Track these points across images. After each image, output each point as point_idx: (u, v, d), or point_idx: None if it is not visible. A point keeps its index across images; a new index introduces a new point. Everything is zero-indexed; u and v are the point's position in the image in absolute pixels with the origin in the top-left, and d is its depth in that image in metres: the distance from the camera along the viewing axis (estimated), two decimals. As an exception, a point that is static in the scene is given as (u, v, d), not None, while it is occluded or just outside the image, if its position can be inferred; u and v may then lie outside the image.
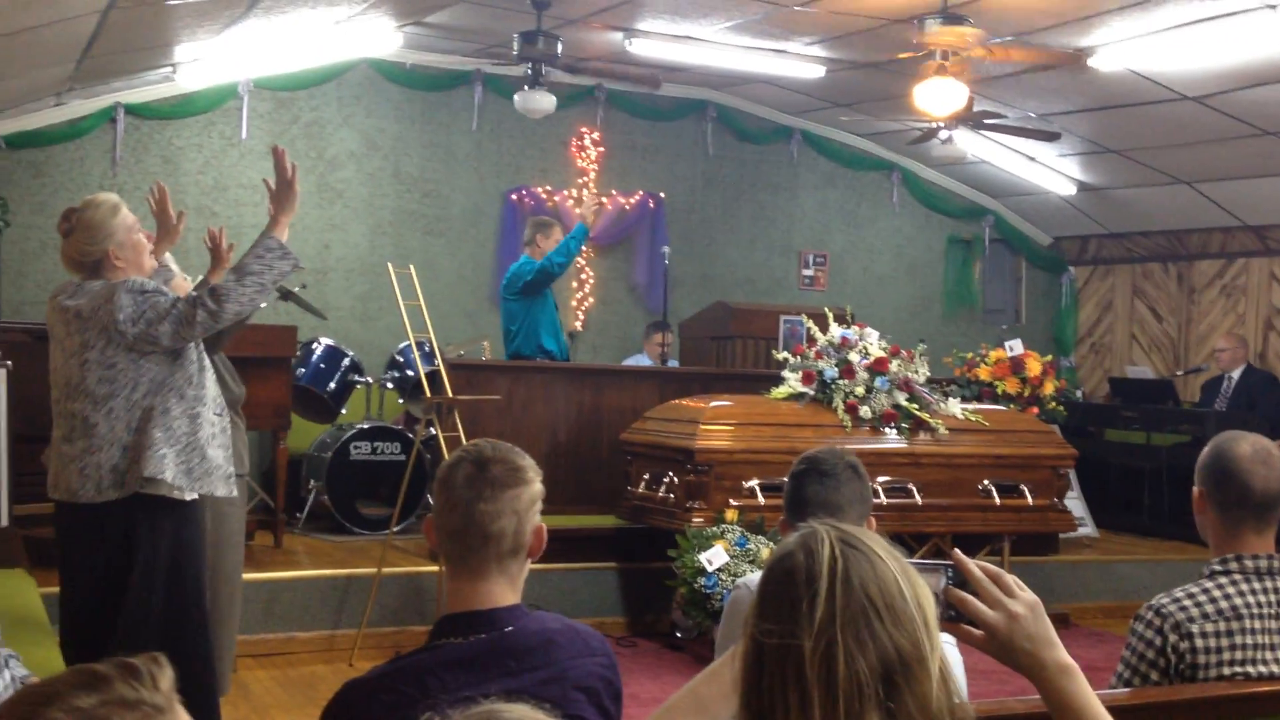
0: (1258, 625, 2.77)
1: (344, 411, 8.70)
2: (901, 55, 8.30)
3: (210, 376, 4.27)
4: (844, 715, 1.49)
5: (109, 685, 1.29)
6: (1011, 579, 1.79)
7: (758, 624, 1.57)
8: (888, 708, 1.50)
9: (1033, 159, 11.20)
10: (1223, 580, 2.83)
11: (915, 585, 1.57)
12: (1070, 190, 11.59)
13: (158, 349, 4.04)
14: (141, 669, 1.31)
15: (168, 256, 4.88)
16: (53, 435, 4.19)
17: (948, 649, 1.69)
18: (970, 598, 1.76)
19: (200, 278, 5.24)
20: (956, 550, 1.88)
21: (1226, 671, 2.74)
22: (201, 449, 4.10)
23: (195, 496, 4.13)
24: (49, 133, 9.30)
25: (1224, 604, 2.78)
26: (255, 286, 4.07)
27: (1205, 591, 2.81)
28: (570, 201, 10.83)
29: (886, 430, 7.30)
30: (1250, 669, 2.75)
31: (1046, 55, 8.28)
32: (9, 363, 6.45)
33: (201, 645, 4.22)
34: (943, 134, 9.57)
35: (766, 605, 1.58)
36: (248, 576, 6.67)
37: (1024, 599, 1.77)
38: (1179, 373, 11.37)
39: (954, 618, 1.75)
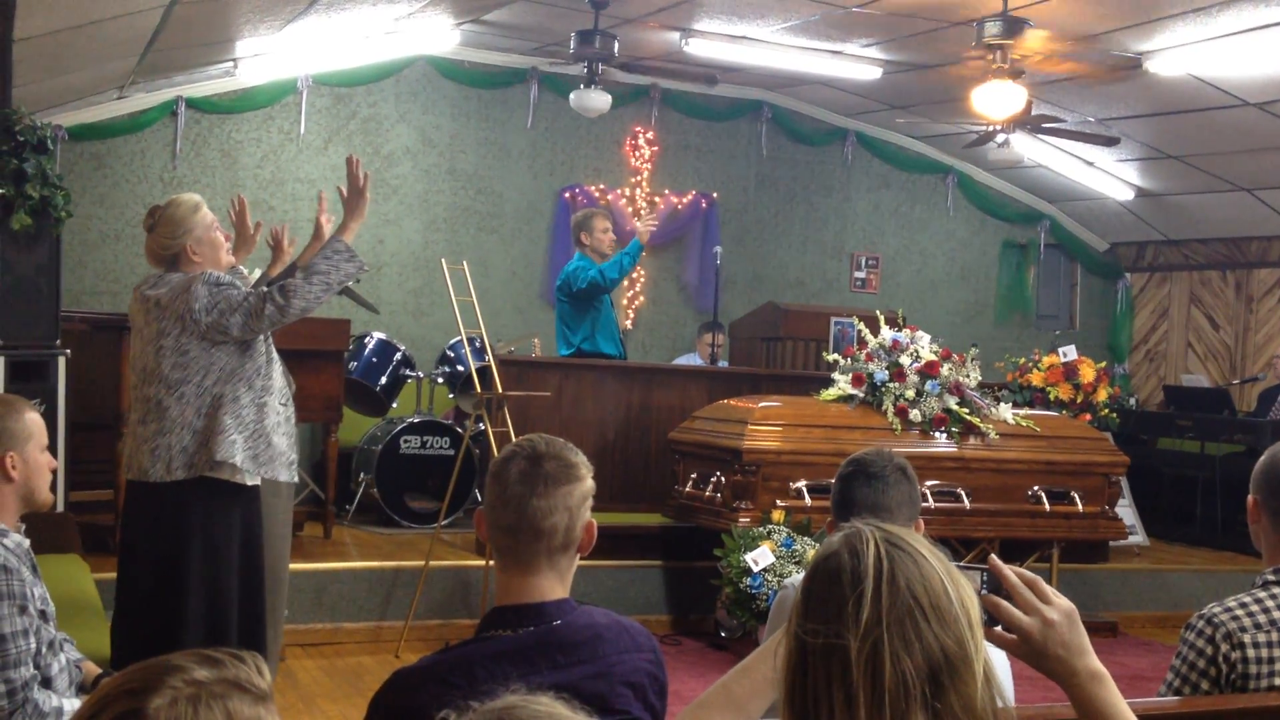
0: (1311, 637, 2.74)
1: (395, 405, 8.77)
2: (966, 56, 8.26)
3: (278, 368, 4.46)
4: (889, 715, 1.49)
5: (224, 666, 1.40)
6: (1047, 586, 1.79)
7: (802, 624, 1.57)
8: (933, 708, 1.51)
9: (1091, 164, 11.10)
10: (1276, 590, 2.80)
11: (960, 586, 1.58)
12: (1128, 196, 11.48)
13: (228, 339, 4.23)
14: (247, 658, 1.43)
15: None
16: (130, 419, 4.39)
17: (993, 653, 1.69)
18: (1005, 603, 1.76)
19: (257, 270, 5.34)
20: (992, 555, 1.88)
21: (1278, 682, 2.71)
22: (267, 436, 4.29)
23: (257, 482, 4.32)
24: (111, 125, 9.43)
25: (1276, 614, 2.75)
26: (321, 285, 4.28)
27: (1258, 601, 2.78)
28: (623, 200, 10.87)
29: (936, 434, 7.26)
30: (1302, 681, 2.72)
31: (1100, 69, 8.21)
32: (68, 351, 6.56)
33: (258, 628, 4.33)
34: (1000, 137, 9.51)
35: (811, 605, 1.58)
36: (297, 567, 6.75)
37: (1059, 605, 1.76)
38: (1235, 382, 11.23)
39: (987, 622, 1.75)
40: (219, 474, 4.18)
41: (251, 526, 4.35)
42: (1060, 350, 8.97)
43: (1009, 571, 1.78)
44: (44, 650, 3.11)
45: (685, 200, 11.15)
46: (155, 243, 4.34)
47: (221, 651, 1.43)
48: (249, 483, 4.26)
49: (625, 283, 10.86)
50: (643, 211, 10.77)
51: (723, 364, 9.45)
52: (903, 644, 1.51)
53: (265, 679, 1.43)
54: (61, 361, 6.49)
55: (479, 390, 7.14)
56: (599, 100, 9.18)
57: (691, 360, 9.89)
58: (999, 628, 1.76)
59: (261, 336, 4.33)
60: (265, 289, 4.27)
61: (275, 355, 4.47)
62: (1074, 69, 8.26)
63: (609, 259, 8.10)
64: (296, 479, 4.64)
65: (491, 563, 3.73)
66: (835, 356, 7.59)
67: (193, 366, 4.19)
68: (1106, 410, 8.75)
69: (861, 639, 1.51)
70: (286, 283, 4.26)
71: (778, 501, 6.87)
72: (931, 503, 6.97)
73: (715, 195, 11.27)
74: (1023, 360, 9.10)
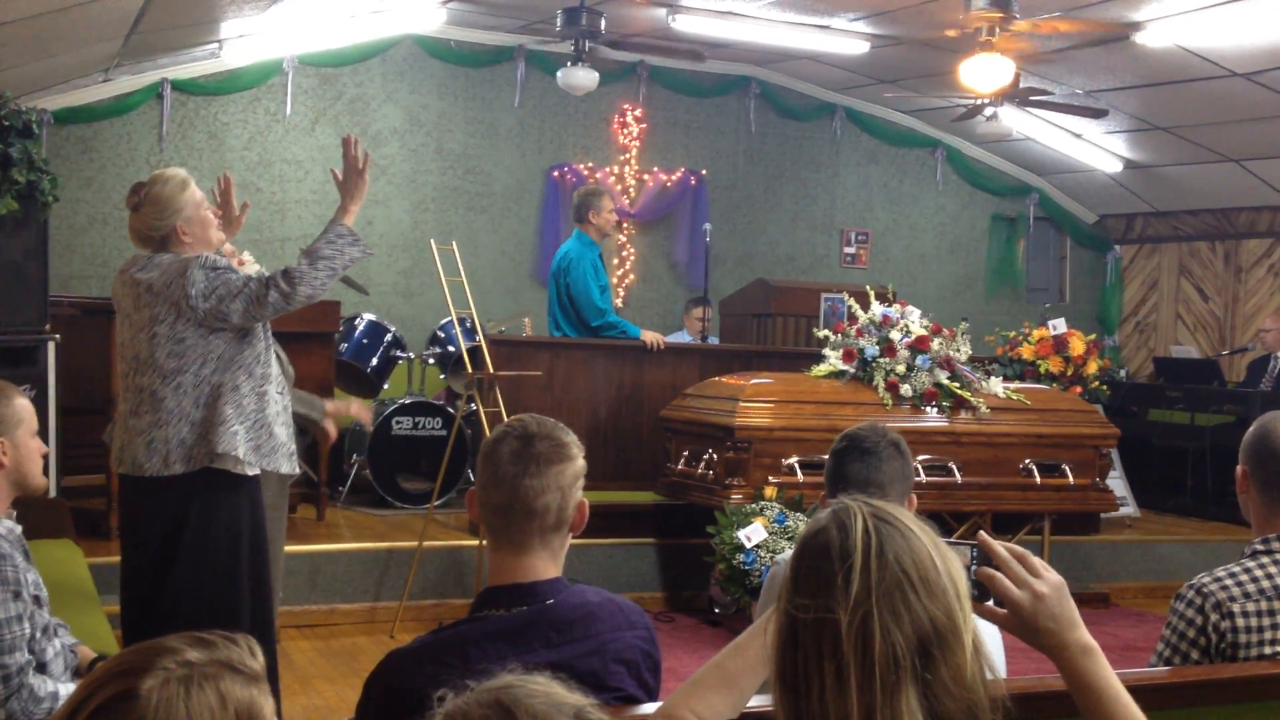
0: (1300, 605, 2.76)
1: (386, 386, 8.76)
2: (949, 32, 8.24)
3: (274, 355, 4.28)
4: (880, 687, 1.50)
5: (216, 648, 1.42)
6: (1037, 560, 1.80)
7: (792, 599, 1.58)
8: (924, 679, 1.52)
9: (1079, 136, 11.10)
10: (1264, 560, 2.81)
11: (947, 558, 1.59)
12: (1117, 168, 11.48)
13: (227, 326, 4.04)
14: (241, 640, 1.45)
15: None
16: (119, 409, 4.19)
17: (985, 625, 1.71)
18: (998, 575, 1.77)
19: (247, 254, 5.28)
20: (981, 532, 1.89)
21: (1268, 651, 2.73)
22: (269, 426, 4.11)
23: (257, 472, 4.15)
24: (97, 109, 9.39)
25: (1265, 583, 2.77)
26: (327, 271, 4.10)
27: (1247, 571, 2.79)
28: (612, 178, 10.85)
29: (927, 409, 7.28)
30: (1292, 649, 2.73)
31: (1093, 25, 8.19)
32: (57, 336, 6.55)
33: (266, 615, 4.28)
34: (988, 111, 9.51)
35: (801, 580, 1.59)
36: (292, 549, 6.76)
37: (1049, 579, 1.78)
38: (1224, 352, 11.26)
39: (977, 597, 1.76)
40: (220, 465, 4.02)
41: (255, 515, 4.19)
42: (1050, 323, 8.98)
43: (999, 546, 1.79)
44: (38, 635, 3.12)
45: (674, 177, 11.13)
46: (141, 223, 4.12)
47: (214, 633, 1.44)
48: (250, 473, 4.10)
49: (615, 261, 10.88)
50: (631, 191, 10.85)
51: (712, 340, 9.45)
52: (892, 616, 1.52)
53: (258, 660, 1.44)
54: (51, 346, 6.48)
55: (470, 370, 7.14)
56: (586, 78, 9.15)
57: (682, 338, 9.89)
58: (989, 602, 1.77)
59: (259, 323, 4.15)
60: (268, 275, 4.08)
61: (273, 341, 4.31)
62: (1068, 28, 8.23)
63: (609, 239, 8.16)
64: (298, 470, 4.49)
65: (484, 542, 3.73)
66: (826, 332, 7.59)
67: (189, 355, 4.01)
68: (1097, 383, 8.77)
69: (851, 612, 1.52)
70: (290, 269, 4.06)
71: (770, 478, 6.88)
72: (923, 477, 6.99)
73: (704, 172, 11.25)
74: (1013, 334, 9.11)
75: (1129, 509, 9.07)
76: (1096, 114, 9.57)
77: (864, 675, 1.51)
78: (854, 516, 1.59)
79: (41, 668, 3.11)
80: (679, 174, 11.15)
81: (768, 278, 10.06)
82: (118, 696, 1.35)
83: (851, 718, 1.51)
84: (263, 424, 4.10)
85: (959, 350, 7.43)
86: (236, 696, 1.38)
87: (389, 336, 8.69)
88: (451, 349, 8.61)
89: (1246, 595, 2.75)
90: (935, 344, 7.32)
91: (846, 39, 9.56)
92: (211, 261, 4.05)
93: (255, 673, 1.42)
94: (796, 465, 6.93)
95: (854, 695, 1.51)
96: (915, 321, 7.39)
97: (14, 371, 6.15)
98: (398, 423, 8.33)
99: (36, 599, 3.15)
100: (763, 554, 6.42)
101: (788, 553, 3.19)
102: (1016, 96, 9.19)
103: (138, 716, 1.34)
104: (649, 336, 8.25)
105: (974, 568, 1.78)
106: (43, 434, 3.47)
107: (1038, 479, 7.42)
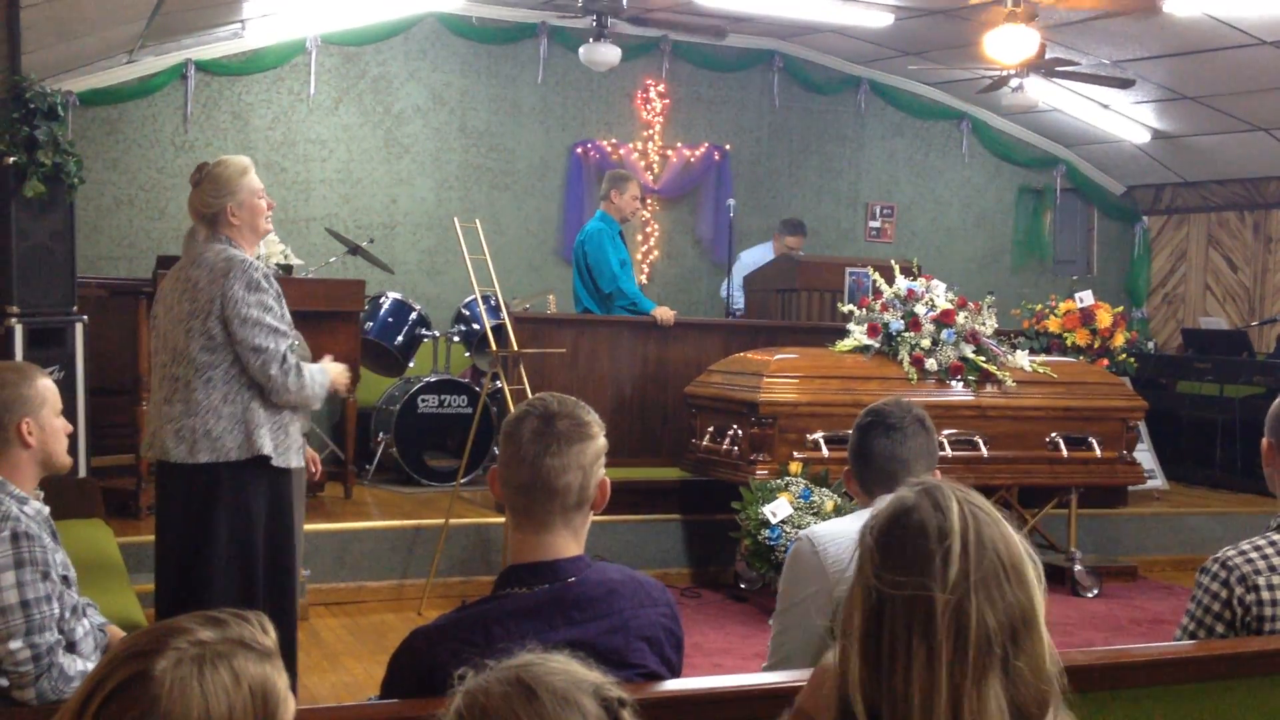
0: (1327, 579, 2.74)
1: (411, 365, 8.79)
2: (972, 1, 8.18)
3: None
4: (971, 670, 1.51)
5: (228, 626, 1.43)
6: None
7: (882, 575, 1.58)
8: (1011, 668, 1.53)
9: (1106, 106, 11.00)
10: (1291, 533, 2.80)
11: (1028, 548, 1.62)
12: (1144, 138, 11.38)
13: (240, 350, 4.18)
14: (253, 618, 1.46)
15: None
16: (153, 396, 4.37)
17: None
18: None
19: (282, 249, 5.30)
20: None
21: (1294, 625, 2.72)
22: (286, 426, 4.30)
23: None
24: (121, 90, 9.41)
25: (1291, 557, 2.75)
26: (305, 391, 4.30)
27: (1273, 544, 2.78)
28: (636, 154, 10.82)
29: (953, 383, 7.25)
30: (1319, 623, 2.72)
31: (1117, 1, 8.12)
32: (85, 317, 6.58)
33: (290, 595, 4.37)
34: (1014, 82, 9.44)
35: (893, 557, 1.59)
36: (320, 527, 6.82)
37: None
38: (1253, 323, 11.17)
39: None
40: (243, 457, 4.18)
41: (281, 499, 4.33)
42: (1077, 296, 8.93)
43: None
44: (67, 615, 3.15)
45: (698, 153, 11.10)
46: (198, 199, 4.29)
47: (225, 612, 1.45)
48: (275, 463, 4.26)
49: (639, 237, 10.87)
50: (655, 166, 10.87)
51: (738, 309, 9.47)
52: (988, 602, 1.54)
53: (270, 637, 1.45)
54: (79, 327, 6.52)
55: (495, 348, 7.16)
56: (609, 54, 9.12)
57: (765, 250, 9.97)
58: None
59: (288, 319, 4.30)
60: (294, 360, 4.24)
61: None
62: (1092, 4, 8.15)
63: (629, 222, 8.54)
64: (303, 464, 4.62)
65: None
66: (850, 307, 7.57)
67: (220, 352, 4.17)
68: (1124, 355, 8.73)
69: (949, 594, 1.53)
70: (301, 373, 4.26)
71: (795, 453, 6.88)
72: (949, 451, 6.97)
73: (728, 147, 11.21)
74: (1039, 306, 9.06)
75: (1157, 482, 9.03)
76: (1124, 84, 9.49)
77: (957, 657, 1.52)
78: (949, 498, 1.61)
79: (71, 647, 3.14)
80: (702, 149, 11.11)
81: (792, 252, 10.03)
82: (132, 678, 1.36)
83: (939, 698, 1.51)
84: (282, 425, 4.30)
85: (985, 324, 7.40)
86: (250, 673, 1.39)
87: (414, 315, 8.70)
88: (476, 327, 8.62)
89: (1272, 569, 2.73)
90: (961, 317, 7.28)
91: (870, 11, 9.50)
92: (257, 281, 4.17)
93: (268, 649, 1.43)
94: (821, 441, 6.92)
95: (943, 676, 1.52)
96: (940, 295, 7.35)
97: (43, 353, 6.19)
98: (423, 401, 8.36)
99: (65, 579, 3.18)
100: (788, 529, 6.42)
101: (811, 528, 3.18)
102: (1042, 67, 9.12)
103: (153, 697, 1.35)
104: (661, 313, 8.22)
105: None
106: (71, 415, 3.51)
107: (1065, 452, 7.38)
